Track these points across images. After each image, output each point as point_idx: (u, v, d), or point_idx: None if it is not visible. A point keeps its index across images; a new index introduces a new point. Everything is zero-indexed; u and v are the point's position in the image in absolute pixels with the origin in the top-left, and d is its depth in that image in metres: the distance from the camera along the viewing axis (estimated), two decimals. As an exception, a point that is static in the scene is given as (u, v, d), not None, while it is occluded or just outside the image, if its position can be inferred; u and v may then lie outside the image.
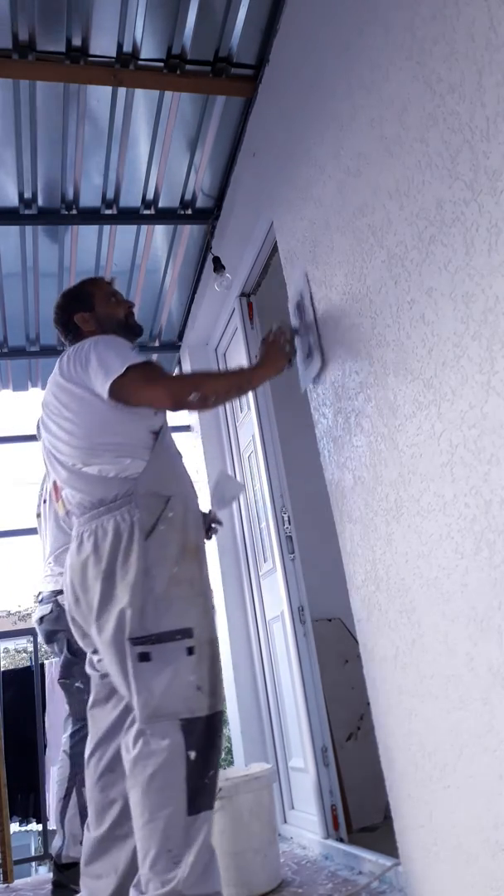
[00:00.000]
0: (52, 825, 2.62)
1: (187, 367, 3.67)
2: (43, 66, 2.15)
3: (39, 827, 3.27)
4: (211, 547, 2.62)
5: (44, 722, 3.28)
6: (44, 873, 3.60)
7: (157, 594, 1.59)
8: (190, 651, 1.58)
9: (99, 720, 1.75)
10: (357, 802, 2.77)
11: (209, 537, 1.91)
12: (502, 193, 1.18)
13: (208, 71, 2.31)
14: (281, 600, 2.84)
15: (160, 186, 2.76)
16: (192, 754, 1.53)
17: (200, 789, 1.52)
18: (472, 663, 1.33)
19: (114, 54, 2.19)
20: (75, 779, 2.43)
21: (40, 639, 2.74)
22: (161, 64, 2.25)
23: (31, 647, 3.55)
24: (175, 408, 1.81)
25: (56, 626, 2.61)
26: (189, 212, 2.93)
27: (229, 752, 3.76)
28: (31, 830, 6.66)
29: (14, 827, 3.24)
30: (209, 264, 2.60)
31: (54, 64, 2.16)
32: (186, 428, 3.79)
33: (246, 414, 3.23)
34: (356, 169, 1.69)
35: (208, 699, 1.58)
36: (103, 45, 2.16)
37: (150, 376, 1.74)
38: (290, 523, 2.83)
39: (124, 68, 2.22)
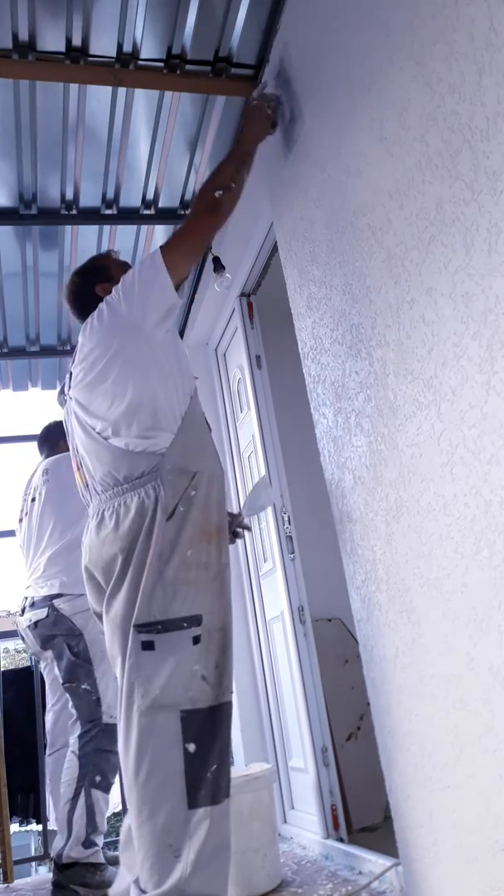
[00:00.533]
0: (51, 825, 2.62)
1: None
2: (43, 66, 2.15)
3: (39, 827, 3.27)
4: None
5: (44, 722, 3.28)
6: (44, 873, 3.60)
7: (167, 579, 1.56)
8: (196, 640, 1.55)
9: None
10: (357, 802, 2.77)
11: (232, 542, 1.89)
12: (502, 193, 1.18)
13: (208, 71, 2.30)
14: (281, 600, 2.84)
15: (160, 186, 2.76)
16: (192, 747, 1.49)
17: (201, 783, 1.48)
18: (472, 663, 1.33)
19: (114, 54, 2.19)
20: (84, 779, 2.42)
21: (31, 643, 2.71)
22: (161, 64, 2.24)
23: (31, 648, 3.54)
24: (218, 218, 1.84)
25: (53, 631, 2.60)
26: (189, 212, 2.93)
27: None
28: (31, 830, 6.66)
29: (14, 827, 3.24)
30: (209, 264, 2.60)
31: (54, 64, 2.16)
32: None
33: (246, 414, 3.23)
34: (356, 169, 1.69)
35: (213, 690, 1.54)
36: (103, 45, 2.16)
37: (178, 236, 1.82)
38: (290, 523, 2.83)
39: (124, 68, 2.21)
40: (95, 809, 2.41)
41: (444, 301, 1.35)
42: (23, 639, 2.75)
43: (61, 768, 2.52)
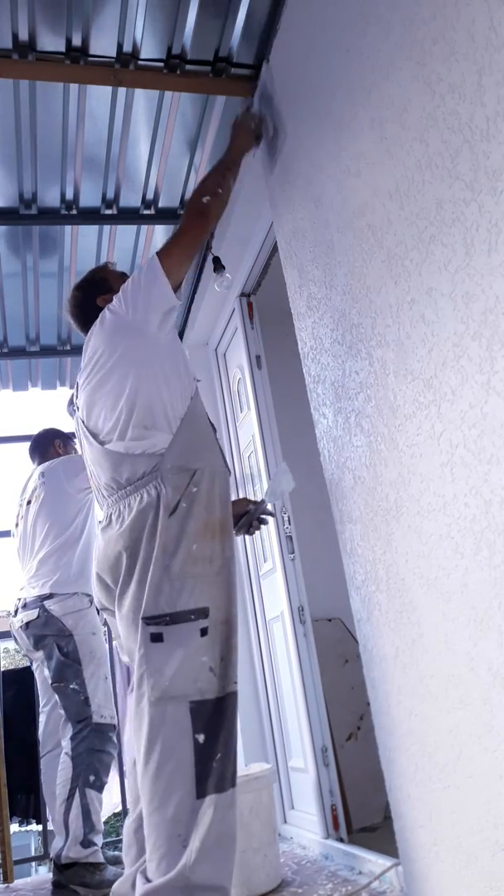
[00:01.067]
0: (51, 825, 2.63)
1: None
2: (43, 66, 2.15)
3: (39, 827, 3.27)
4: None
5: (44, 722, 3.28)
6: (44, 873, 3.60)
7: (173, 572, 1.59)
8: (203, 632, 1.57)
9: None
10: (357, 802, 2.77)
11: (258, 528, 2.02)
12: (502, 193, 1.18)
13: (208, 71, 2.30)
14: (281, 600, 2.84)
15: (160, 186, 2.76)
16: (201, 737, 1.51)
17: (209, 772, 1.50)
18: (472, 663, 1.33)
19: (114, 54, 2.19)
20: (78, 780, 2.44)
21: (23, 644, 2.72)
22: (161, 64, 2.25)
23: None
24: (207, 221, 1.96)
25: (44, 631, 2.62)
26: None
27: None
28: (31, 830, 6.66)
29: (14, 827, 3.24)
30: (209, 264, 2.60)
31: (54, 64, 2.16)
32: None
33: (246, 414, 3.23)
34: (356, 169, 1.69)
35: (219, 681, 1.57)
36: (103, 45, 2.16)
37: (172, 241, 1.91)
38: (290, 523, 2.83)
39: (124, 68, 2.22)
40: (91, 809, 2.42)
41: (444, 301, 1.35)
42: (16, 640, 2.77)
43: (55, 770, 2.53)
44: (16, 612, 2.72)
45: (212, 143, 2.59)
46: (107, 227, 2.94)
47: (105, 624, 2.66)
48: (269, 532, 2.95)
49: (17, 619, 2.70)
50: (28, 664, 2.93)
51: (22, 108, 2.31)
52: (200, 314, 3.42)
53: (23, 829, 3.97)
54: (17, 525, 2.94)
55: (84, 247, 3.02)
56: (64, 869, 2.40)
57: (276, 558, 2.85)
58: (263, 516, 2.04)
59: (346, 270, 1.78)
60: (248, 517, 2.00)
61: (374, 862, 2.08)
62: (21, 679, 3.32)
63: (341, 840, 2.44)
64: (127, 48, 2.18)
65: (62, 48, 2.14)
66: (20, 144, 2.44)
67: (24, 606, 2.67)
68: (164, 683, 1.54)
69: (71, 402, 2.02)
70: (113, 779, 2.92)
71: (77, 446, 2.01)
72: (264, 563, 3.13)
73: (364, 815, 2.78)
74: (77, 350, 3.64)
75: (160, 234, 3.07)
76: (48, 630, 2.61)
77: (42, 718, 2.72)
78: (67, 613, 2.60)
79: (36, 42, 2.11)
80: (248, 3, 2.10)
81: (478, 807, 1.34)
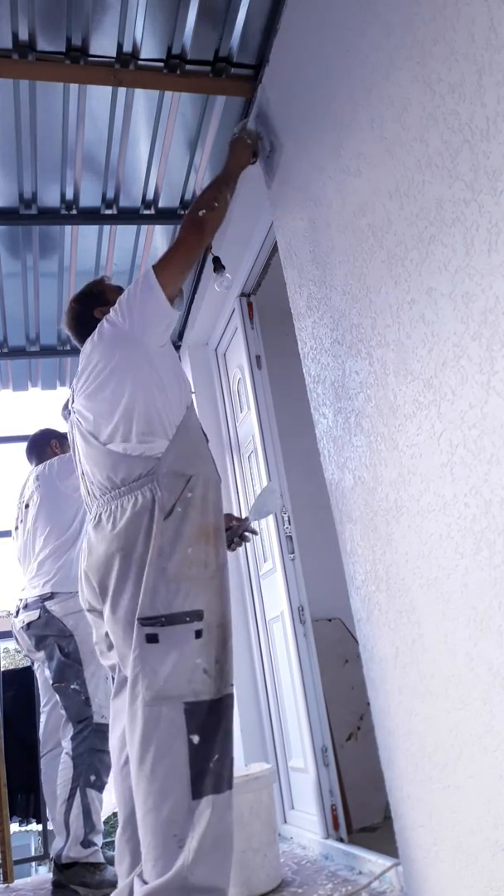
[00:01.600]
0: (51, 825, 2.63)
1: (187, 367, 3.67)
2: (43, 66, 2.15)
3: (39, 827, 3.27)
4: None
5: (44, 722, 3.28)
6: (44, 873, 3.60)
7: (169, 574, 1.60)
8: (198, 634, 1.59)
9: (120, 711, 1.74)
10: (357, 802, 2.78)
11: (240, 545, 2.02)
12: (502, 193, 1.18)
13: (208, 71, 2.30)
14: (281, 600, 2.84)
15: (160, 186, 2.76)
16: (196, 738, 1.52)
17: (204, 773, 1.51)
18: (472, 663, 1.33)
19: (114, 54, 2.19)
20: (79, 780, 2.44)
21: (24, 644, 2.73)
22: (161, 64, 2.25)
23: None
24: (203, 235, 1.96)
25: (45, 632, 2.63)
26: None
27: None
28: (31, 830, 6.66)
29: (14, 827, 3.24)
30: (209, 264, 2.60)
31: (54, 64, 2.16)
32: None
33: (246, 414, 3.23)
34: (356, 169, 1.69)
35: (215, 683, 1.58)
36: (103, 45, 2.16)
37: (168, 254, 1.91)
38: (290, 523, 2.83)
39: (124, 68, 2.22)
40: (91, 809, 2.43)
41: (444, 301, 1.35)
42: (17, 640, 2.77)
43: (55, 770, 2.54)
44: (17, 612, 2.73)
45: (212, 143, 2.59)
46: (107, 227, 2.94)
47: None
48: (269, 532, 2.95)
49: (18, 620, 2.71)
50: (28, 664, 2.94)
51: (22, 109, 2.31)
52: (200, 314, 3.42)
53: (23, 829, 3.97)
54: (16, 528, 2.95)
55: (84, 247, 3.02)
56: (64, 869, 2.40)
57: (276, 558, 2.85)
58: (246, 533, 2.05)
59: (345, 270, 1.78)
60: (230, 533, 2.00)
61: (374, 862, 2.08)
62: (21, 679, 3.32)
63: (341, 840, 2.44)
64: (127, 48, 2.18)
65: (62, 48, 2.14)
66: (20, 144, 2.44)
67: (26, 607, 2.68)
68: (158, 684, 1.54)
69: (65, 407, 2.04)
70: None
71: (72, 450, 2.02)
72: (264, 563, 3.13)
73: (364, 815, 2.78)
74: (77, 351, 3.64)
75: (160, 234, 3.07)
76: (49, 630, 2.62)
77: (42, 718, 2.73)
78: (68, 614, 2.60)
79: (36, 42, 2.11)
80: (248, 4, 2.10)
81: (478, 807, 1.34)
